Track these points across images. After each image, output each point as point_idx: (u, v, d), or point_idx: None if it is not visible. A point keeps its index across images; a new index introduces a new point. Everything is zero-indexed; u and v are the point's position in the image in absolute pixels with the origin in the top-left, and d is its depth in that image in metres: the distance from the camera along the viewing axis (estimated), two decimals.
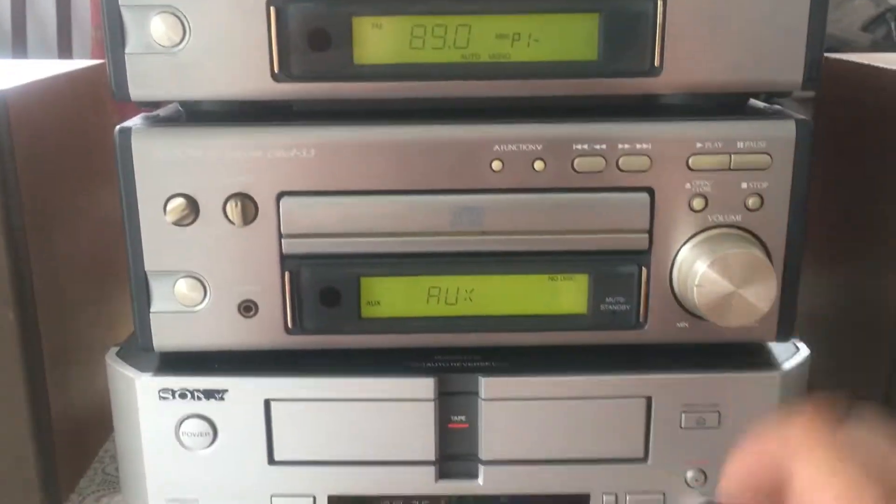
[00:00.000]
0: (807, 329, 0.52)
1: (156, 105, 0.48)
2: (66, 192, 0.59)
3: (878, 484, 0.28)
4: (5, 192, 0.50)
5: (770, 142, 0.46)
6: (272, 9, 0.44)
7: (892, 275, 0.55)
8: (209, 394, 0.48)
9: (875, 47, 1.29)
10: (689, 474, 0.50)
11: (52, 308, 0.56)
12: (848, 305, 0.63)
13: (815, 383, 0.53)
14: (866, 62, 0.62)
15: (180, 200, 0.45)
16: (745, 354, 0.50)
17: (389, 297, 0.48)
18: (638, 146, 0.46)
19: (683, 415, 0.49)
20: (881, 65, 0.59)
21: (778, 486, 0.31)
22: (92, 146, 0.64)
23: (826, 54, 0.47)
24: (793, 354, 0.50)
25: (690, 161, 0.46)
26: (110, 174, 0.68)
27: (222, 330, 0.48)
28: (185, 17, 0.44)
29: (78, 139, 0.62)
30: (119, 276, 0.70)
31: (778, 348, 0.51)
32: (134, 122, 0.46)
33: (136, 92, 0.44)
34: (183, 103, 0.48)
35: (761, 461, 0.32)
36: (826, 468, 0.29)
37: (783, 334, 0.49)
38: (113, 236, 0.68)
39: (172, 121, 0.47)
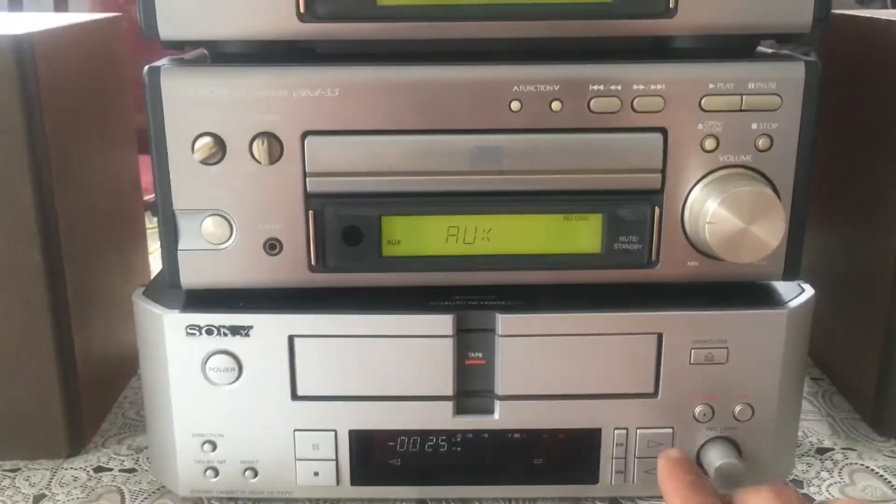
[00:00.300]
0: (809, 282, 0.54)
1: (182, 46, 0.49)
2: (88, 139, 0.60)
3: None
4: (31, 134, 0.51)
5: (780, 83, 0.47)
6: None
7: (894, 229, 0.57)
8: (235, 330, 0.49)
9: None
10: (698, 409, 0.51)
11: (76, 252, 0.57)
12: (848, 260, 0.65)
13: (817, 334, 0.54)
14: (868, 15, 0.63)
15: (208, 139, 0.46)
16: (753, 293, 0.52)
17: (409, 236, 0.49)
18: (652, 87, 0.47)
19: (693, 351, 0.50)
20: (884, 17, 0.61)
21: None
22: (109, 98, 0.65)
23: None
24: (798, 294, 0.52)
25: (703, 102, 0.47)
26: (126, 129, 0.69)
27: (247, 267, 0.49)
28: None
29: (97, 89, 0.62)
30: (136, 229, 0.72)
31: (784, 288, 0.53)
32: (162, 62, 0.47)
33: (166, 31, 0.45)
34: (208, 46, 0.49)
35: None
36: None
37: (790, 273, 0.51)
38: (127, 190, 0.70)
39: (199, 62, 0.48)
